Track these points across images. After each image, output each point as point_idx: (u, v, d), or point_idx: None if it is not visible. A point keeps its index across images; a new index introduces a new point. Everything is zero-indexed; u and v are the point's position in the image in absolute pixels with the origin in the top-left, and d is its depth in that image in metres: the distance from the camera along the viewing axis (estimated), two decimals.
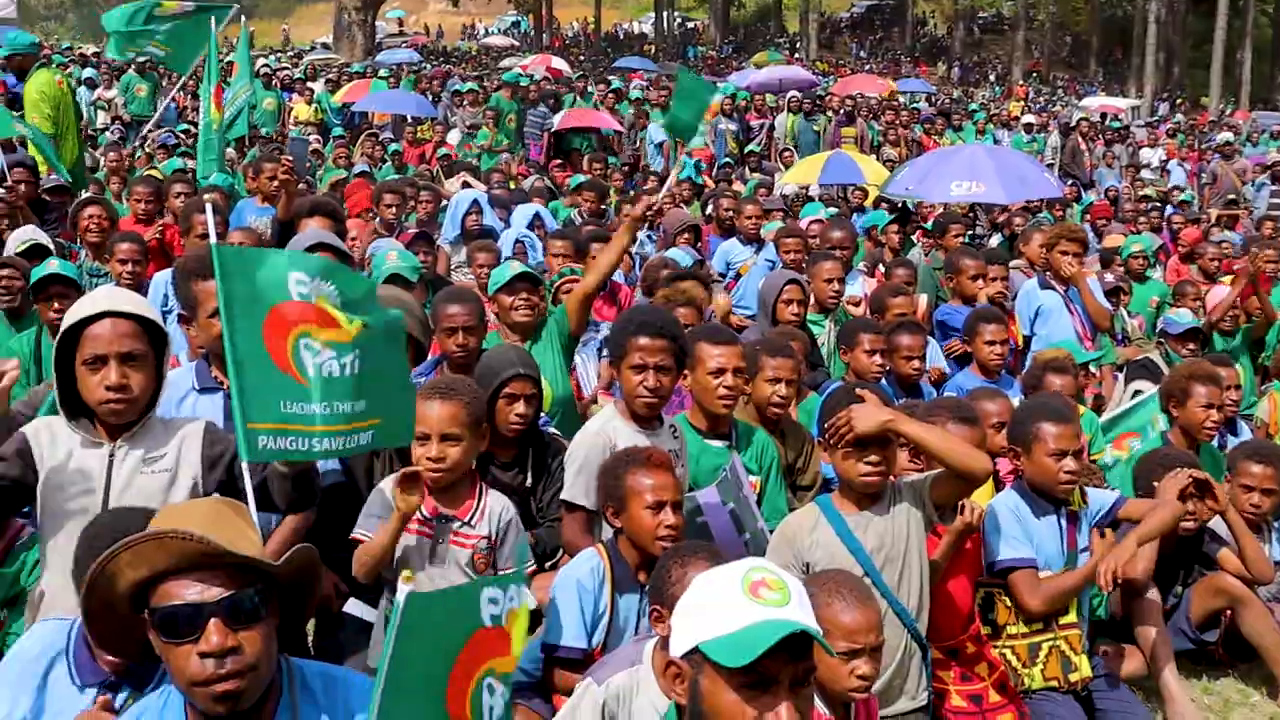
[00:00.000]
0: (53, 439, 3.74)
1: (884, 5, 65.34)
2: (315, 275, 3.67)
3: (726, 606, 2.54)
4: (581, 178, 14.25)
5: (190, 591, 2.50)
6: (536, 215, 10.34)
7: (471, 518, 4.26)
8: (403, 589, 2.34)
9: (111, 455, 3.72)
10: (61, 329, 3.69)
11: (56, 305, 6.38)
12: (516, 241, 9.39)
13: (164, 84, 20.68)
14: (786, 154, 18.33)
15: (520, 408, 4.92)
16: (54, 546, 3.67)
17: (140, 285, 7.41)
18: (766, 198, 13.80)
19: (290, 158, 9.07)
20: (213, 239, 3.72)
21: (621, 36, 60.81)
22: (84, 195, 9.60)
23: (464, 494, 4.28)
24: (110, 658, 3.13)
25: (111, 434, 3.75)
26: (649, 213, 6.47)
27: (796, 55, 49.82)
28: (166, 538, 2.48)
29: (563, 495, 4.71)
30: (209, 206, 3.98)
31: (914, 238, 11.41)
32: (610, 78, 29.94)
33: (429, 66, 34.54)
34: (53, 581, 3.66)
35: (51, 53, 26.22)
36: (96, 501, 3.65)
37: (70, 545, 3.28)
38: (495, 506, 4.32)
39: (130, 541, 2.52)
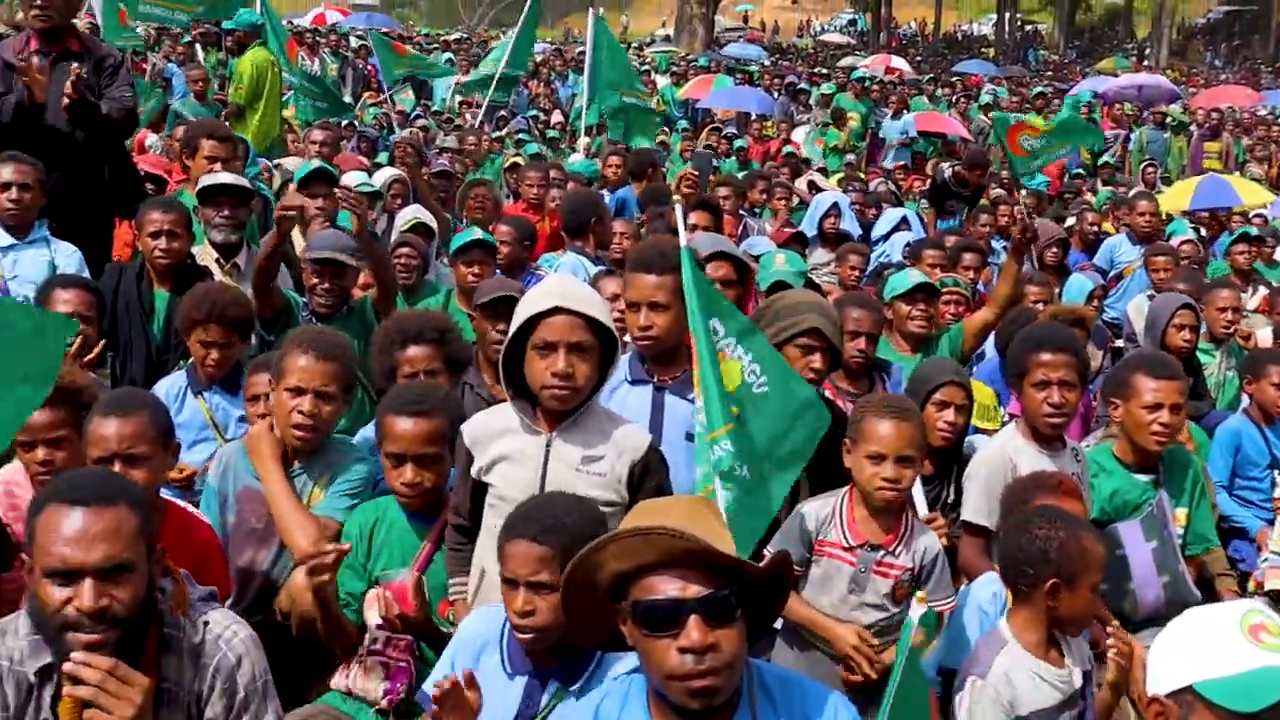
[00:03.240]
0: (487, 428, 3.83)
1: (1247, 11, 61.00)
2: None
3: (1226, 648, 2.41)
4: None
5: (671, 587, 2.55)
6: (904, 219, 10.19)
7: (896, 548, 4.03)
8: (916, 610, 2.31)
9: (549, 445, 3.72)
10: (518, 316, 3.68)
11: (476, 270, 6.69)
12: (906, 245, 9.22)
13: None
14: (1149, 169, 17.32)
15: (950, 415, 4.88)
16: (489, 528, 3.70)
17: (512, 269, 7.51)
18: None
19: (696, 171, 9.24)
20: (683, 239, 3.77)
21: (960, 37, 59.48)
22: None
23: (892, 522, 4.06)
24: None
25: (550, 421, 3.74)
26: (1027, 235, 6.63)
27: (1145, 62, 47.41)
28: (655, 534, 2.54)
29: (964, 516, 4.62)
30: (679, 207, 4.06)
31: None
32: (953, 80, 29.34)
33: (772, 63, 34.51)
34: (488, 562, 3.63)
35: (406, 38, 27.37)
36: (533, 486, 3.66)
37: None
38: (920, 539, 4.08)
39: (617, 535, 2.61)
